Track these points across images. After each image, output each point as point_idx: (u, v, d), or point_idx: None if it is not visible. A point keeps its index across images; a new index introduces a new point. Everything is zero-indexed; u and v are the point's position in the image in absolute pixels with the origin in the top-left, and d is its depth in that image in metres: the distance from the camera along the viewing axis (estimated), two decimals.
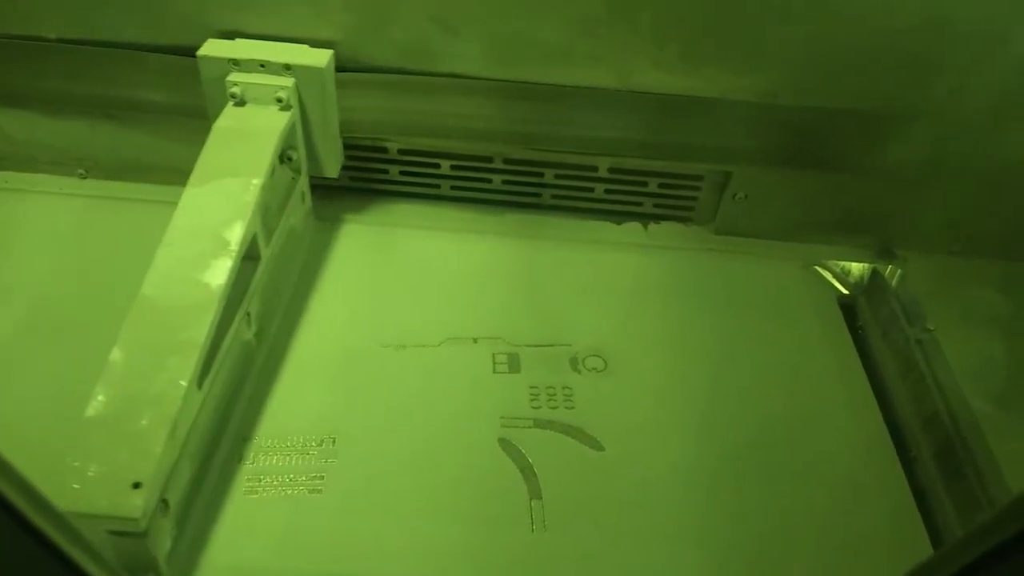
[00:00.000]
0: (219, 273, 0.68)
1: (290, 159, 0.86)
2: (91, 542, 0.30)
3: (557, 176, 0.99)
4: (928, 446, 0.83)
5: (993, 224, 0.96)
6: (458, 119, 0.93)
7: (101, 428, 0.60)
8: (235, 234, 0.71)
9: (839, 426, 0.82)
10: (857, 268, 0.99)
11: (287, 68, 0.83)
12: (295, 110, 0.84)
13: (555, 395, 0.81)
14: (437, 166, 0.98)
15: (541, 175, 0.99)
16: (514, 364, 0.84)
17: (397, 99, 0.91)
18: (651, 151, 0.95)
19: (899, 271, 0.96)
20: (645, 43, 0.86)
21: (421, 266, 0.94)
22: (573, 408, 0.80)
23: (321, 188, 1.00)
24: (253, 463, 0.73)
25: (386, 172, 0.99)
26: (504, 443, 0.76)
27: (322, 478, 0.72)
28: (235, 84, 0.82)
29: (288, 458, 0.73)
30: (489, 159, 0.97)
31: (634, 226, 1.01)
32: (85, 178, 1.00)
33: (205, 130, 0.94)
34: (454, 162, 0.98)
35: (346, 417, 0.78)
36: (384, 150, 0.97)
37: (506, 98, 0.91)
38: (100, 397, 0.61)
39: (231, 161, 0.78)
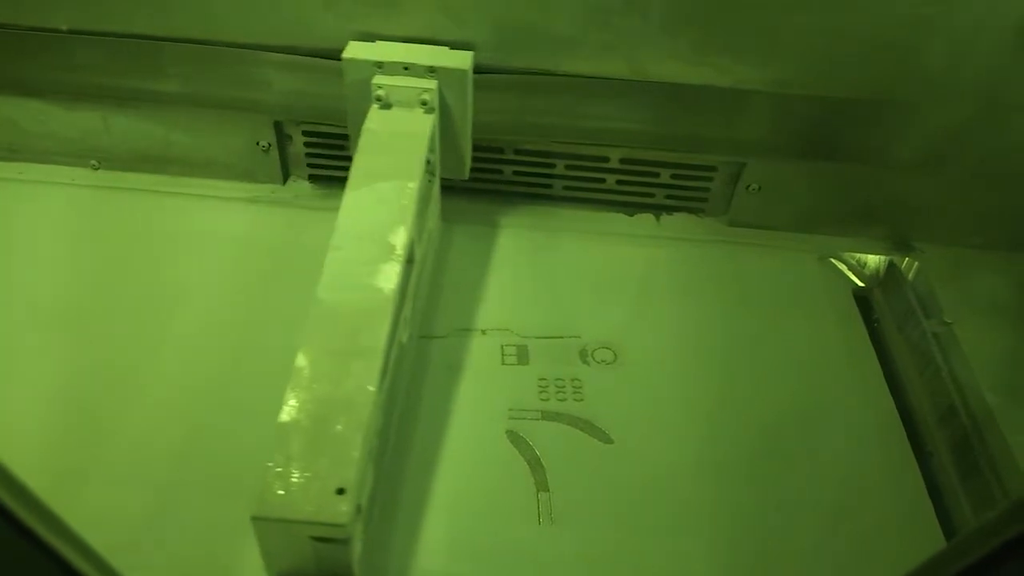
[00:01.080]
0: (390, 278, 0.68)
1: (428, 162, 0.84)
2: (79, 535, 0.30)
3: (568, 167, 0.98)
4: (944, 441, 0.81)
5: (1012, 217, 0.95)
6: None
7: (298, 433, 0.59)
8: (400, 239, 0.71)
9: (853, 420, 0.81)
10: (873, 260, 0.97)
11: (431, 70, 0.82)
12: (436, 112, 0.83)
13: (564, 387, 0.80)
14: None
15: (552, 166, 0.98)
16: (523, 356, 0.83)
17: None
18: (663, 142, 0.94)
19: (916, 263, 0.95)
20: (657, 33, 0.85)
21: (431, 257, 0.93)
22: (582, 400, 0.79)
23: (325, 179, 1.00)
24: None
25: None
26: (512, 435, 0.76)
27: None
28: (380, 87, 0.82)
29: None
30: (500, 149, 0.97)
31: (646, 217, 1.00)
32: (97, 169, 1.01)
33: (216, 120, 0.96)
34: None
35: None
36: None
37: (517, 89, 0.90)
38: (292, 402, 0.60)
39: (385, 165, 0.78)
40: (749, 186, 0.96)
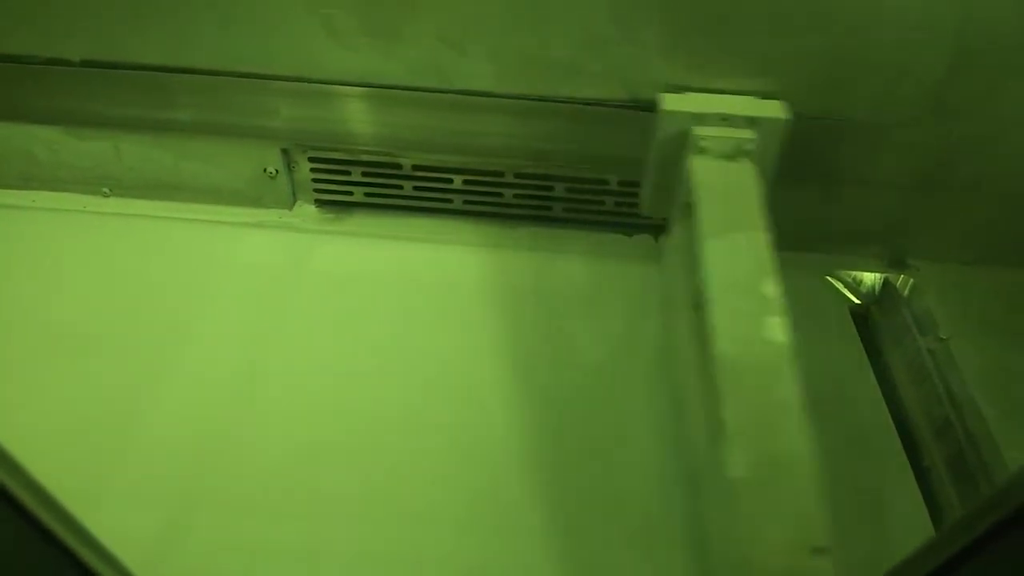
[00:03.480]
0: (778, 330, 0.69)
1: None
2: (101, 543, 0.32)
3: (568, 189, 1.00)
4: (941, 455, 0.83)
5: (1006, 233, 0.96)
6: (470, 135, 0.95)
7: (756, 490, 0.59)
8: (772, 290, 0.72)
9: (851, 436, 0.82)
10: (869, 278, 0.99)
11: (750, 121, 0.84)
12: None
13: (569, 404, 0.82)
14: (450, 181, 1.00)
15: (551, 188, 1.00)
16: (528, 374, 0.85)
17: (411, 116, 0.93)
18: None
19: (911, 281, 0.96)
20: (652, 59, 0.87)
21: (433, 280, 0.95)
22: (586, 416, 0.81)
23: (331, 204, 1.02)
24: None
25: (400, 188, 1.01)
26: (517, 448, 0.78)
27: None
28: (703, 139, 0.83)
29: None
30: (500, 173, 0.99)
31: (645, 238, 1.02)
32: (109, 196, 1.03)
33: (225, 148, 0.98)
34: (467, 177, 0.99)
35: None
36: (398, 166, 0.99)
37: (517, 114, 0.92)
38: (738, 458, 0.60)
39: (729, 216, 0.78)
40: None
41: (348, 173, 1.00)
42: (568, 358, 0.87)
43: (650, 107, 0.88)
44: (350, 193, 1.02)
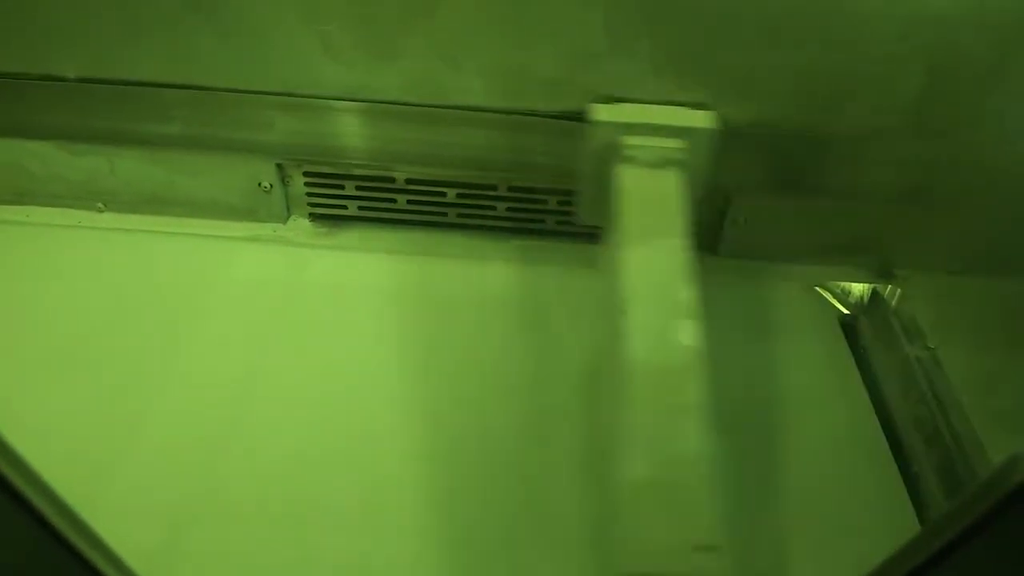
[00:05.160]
0: (691, 334, 0.70)
1: None
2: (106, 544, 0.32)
3: (560, 202, 1.01)
4: (929, 462, 0.84)
5: (991, 244, 0.98)
6: (464, 149, 0.96)
7: (652, 492, 0.59)
8: (687, 295, 0.73)
9: (841, 444, 0.83)
10: (857, 288, 1.00)
11: (680, 131, 0.85)
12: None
13: (559, 416, 0.83)
14: (443, 194, 1.01)
15: (545, 201, 1.01)
16: (519, 386, 0.85)
17: (405, 130, 0.94)
18: None
19: (899, 290, 0.98)
20: (642, 75, 0.88)
21: (427, 293, 0.96)
22: (575, 427, 0.82)
23: (325, 217, 1.03)
24: None
25: (394, 201, 1.02)
26: (511, 458, 0.78)
27: None
28: (631, 148, 0.84)
29: None
30: (494, 187, 1.00)
31: None
32: (103, 211, 1.04)
33: (220, 162, 0.99)
34: (460, 190, 1.00)
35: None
36: (392, 180, 1.00)
37: (510, 129, 0.93)
38: (636, 459, 0.61)
39: (651, 224, 0.79)
40: (735, 219, 0.99)
41: (342, 187, 1.01)
42: (562, 369, 0.88)
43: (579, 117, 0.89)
44: (344, 207, 1.03)
